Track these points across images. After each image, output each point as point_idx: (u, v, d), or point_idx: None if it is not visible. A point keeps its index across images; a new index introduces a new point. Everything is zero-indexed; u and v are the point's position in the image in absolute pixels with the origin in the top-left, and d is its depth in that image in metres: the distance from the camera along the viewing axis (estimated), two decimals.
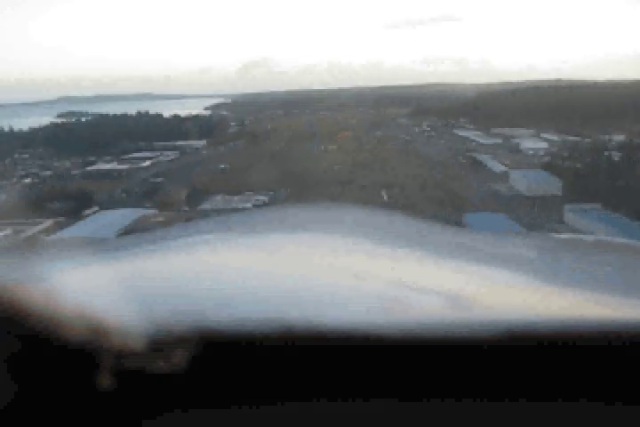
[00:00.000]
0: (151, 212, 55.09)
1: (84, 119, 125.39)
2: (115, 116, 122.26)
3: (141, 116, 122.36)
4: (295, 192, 62.10)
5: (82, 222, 53.59)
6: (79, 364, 0.96)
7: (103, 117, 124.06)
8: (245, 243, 1.79)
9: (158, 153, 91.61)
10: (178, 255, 1.65)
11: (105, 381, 0.95)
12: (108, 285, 1.22)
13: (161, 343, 0.97)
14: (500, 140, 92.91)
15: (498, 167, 71.67)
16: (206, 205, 59.43)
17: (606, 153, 67.46)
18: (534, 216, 52.06)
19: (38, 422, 0.96)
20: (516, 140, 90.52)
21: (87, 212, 58.72)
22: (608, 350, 0.99)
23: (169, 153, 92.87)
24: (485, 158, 77.29)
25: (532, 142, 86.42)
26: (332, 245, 1.69)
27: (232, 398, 0.99)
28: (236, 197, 61.30)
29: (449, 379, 0.98)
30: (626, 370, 0.99)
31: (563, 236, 2.27)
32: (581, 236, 2.37)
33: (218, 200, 61.01)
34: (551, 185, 59.96)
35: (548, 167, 67.00)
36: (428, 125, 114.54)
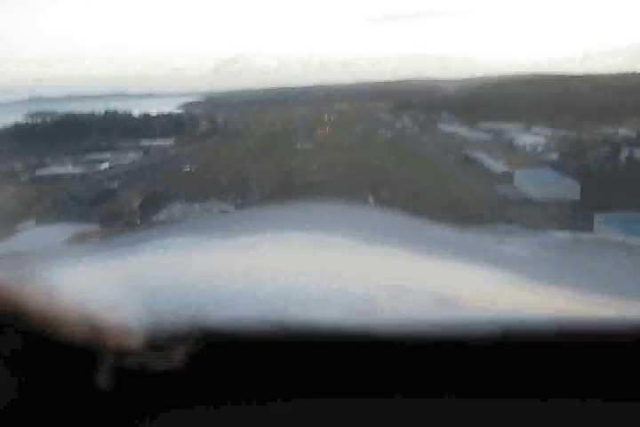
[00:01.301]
0: (90, 228, 43.76)
1: (49, 119, 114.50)
2: (80, 115, 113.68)
3: (109, 115, 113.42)
4: (267, 198, 51.62)
5: (11, 240, 42.18)
6: (79, 363, 0.94)
7: (68, 117, 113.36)
8: (242, 244, 1.78)
9: (120, 154, 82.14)
10: (175, 256, 1.64)
11: (105, 379, 0.94)
12: (108, 284, 1.20)
13: (159, 343, 0.95)
14: (489, 136, 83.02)
15: (497, 167, 61.26)
16: (161, 216, 48.29)
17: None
18: (557, 228, 41.42)
19: (39, 421, 0.94)
20: (508, 135, 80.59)
21: (20, 226, 47.35)
22: (607, 349, 0.97)
23: (131, 154, 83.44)
24: (480, 156, 66.76)
25: (526, 137, 76.00)
26: (325, 245, 1.68)
27: (230, 396, 0.98)
28: (197, 206, 50.21)
29: (443, 377, 0.96)
30: (626, 369, 0.96)
31: (561, 234, 2.19)
32: (580, 234, 2.25)
33: (175, 210, 49.87)
34: (566, 188, 49.31)
35: (557, 166, 56.39)
36: (410, 121, 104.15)
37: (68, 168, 73.16)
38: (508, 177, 56.67)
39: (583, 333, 0.95)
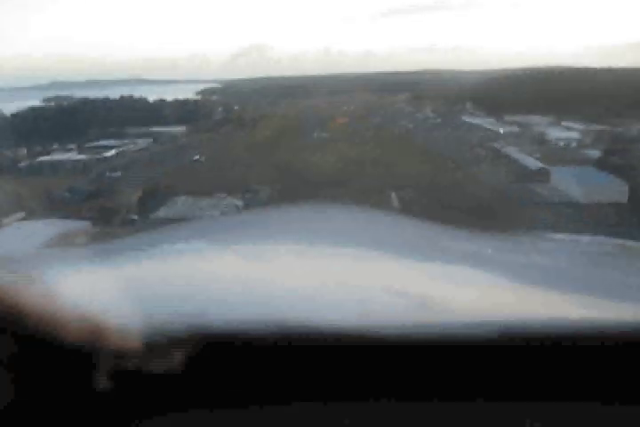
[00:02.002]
0: (79, 227, 38.14)
1: (63, 104, 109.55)
2: (95, 100, 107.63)
3: (124, 100, 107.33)
4: (279, 193, 45.92)
5: None
6: (79, 365, 0.94)
7: (82, 102, 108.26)
8: (241, 246, 1.78)
9: (128, 141, 76.99)
10: (175, 259, 1.64)
11: (104, 381, 0.94)
12: (107, 287, 1.20)
13: (159, 345, 0.96)
14: (517, 129, 76.68)
15: (531, 162, 55.10)
16: (161, 213, 42.72)
17: None
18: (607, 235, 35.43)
19: (39, 421, 0.94)
20: (538, 129, 74.63)
21: (6, 220, 41.82)
22: (605, 350, 0.97)
23: (140, 141, 78.11)
24: (512, 151, 60.71)
25: (558, 131, 69.81)
26: (326, 248, 1.68)
27: (229, 399, 0.99)
28: (203, 201, 44.58)
29: (443, 379, 0.98)
30: (624, 370, 0.97)
31: (558, 235, 2.17)
32: (578, 236, 2.29)
33: (178, 205, 44.21)
34: (613, 189, 43.19)
35: (598, 163, 50.22)
36: (431, 112, 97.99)
37: (72, 155, 67.98)
38: (543, 175, 50.57)
39: (579, 333, 0.96)
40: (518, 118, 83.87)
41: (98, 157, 67.68)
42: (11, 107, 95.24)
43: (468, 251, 1.75)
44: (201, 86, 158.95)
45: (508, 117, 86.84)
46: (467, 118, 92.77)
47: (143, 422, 0.96)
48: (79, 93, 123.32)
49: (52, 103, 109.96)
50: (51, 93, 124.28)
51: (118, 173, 57.28)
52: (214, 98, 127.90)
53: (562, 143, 64.47)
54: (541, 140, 67.04)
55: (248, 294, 1.20)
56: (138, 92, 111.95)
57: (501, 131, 76.92)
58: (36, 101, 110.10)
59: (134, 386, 0.96)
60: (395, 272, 1.44)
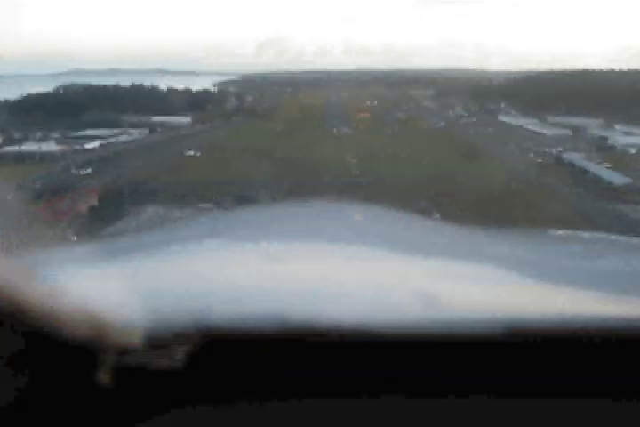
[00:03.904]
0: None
1: (67, 91, 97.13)
2: (100, 87, 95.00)
3: (134, 88, 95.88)
4: (287, 201, 31.55)
5: None
6: (82, 361, 0.92)
7: (86, 89, 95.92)
8: (245, 242, 1.74)
9: (120, 130, 64.39)
10: (179, 254, 1.61)
11: (107, 378, 0.92)
12: (110, 282, 1.19)
13: (163, 341, 0.94)
14: (569, 132, 62.82)
15: (611, 175, 40.75)
16: (114, 229, 28.61)
17: None
18: None
19: (42, 419, 0.92)
20: (592, 132, 61.84)
21: None
22: (606, 349, 0.96)
23: (134, 131, 65.48)
24: (575, 158, 46.67)
25: (620, 135, 55.67)
26: (333, 245, 1.65)
27: (234, 395, 0.97)
28: (178, 214, 30.50)
29: (446, 377, 0.96)
30: (625, 368, 0.95)
31: (560, 232, 2.14)
32: (579, 232, 2.19)
33: (142, 218, 30.42)
34: None
35: None
36: (462, 110, 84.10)
37: (46, 146, 54.53)
38: (633, 193, 36.41)
39: (581, 331, 0.94)
40: (562, 120, 70.50)
41: (77, 148, 54.16)
42: (12, 94, 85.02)
43: (471, 248, 1.72)
44: (219, 78, 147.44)
45: (552, 119, 73.60)
46: (503, 118, 79.44)
47: (147, 420, 0.94)
48: (96, 81, 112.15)
49: (61, 91, 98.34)
50: (69, 81, 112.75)
51: (87, 170, 43.73)
52: (230, 89, 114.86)
53: (632, 150, 50.15)
54: (603, 146, 52.79)
55: (253, 290, 1.17)
56: (155, 82, 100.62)
57: (548, 133, 63.21)
58: (44, 89, 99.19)
59: (138, 383, 0.93)
60: (401, 270, 1.40)
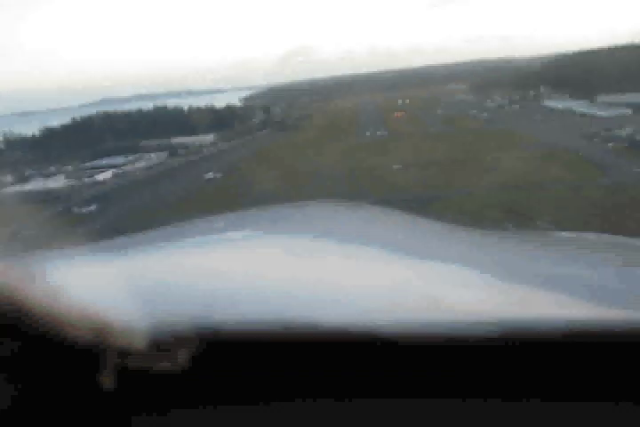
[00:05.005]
0: None
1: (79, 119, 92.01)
2: (120, 114, 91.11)
3: (156, 111, 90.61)
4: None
5: None
6: (83, 363, 0.92)
7: (105, 117, 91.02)
8: (245, 244, 1.75)
9: (136, 156, 58.63)
10: (179, 256, 1.60)
11: (108, 379, 0.92)
12: (112, 284, 1.19)
13: (164, 343, 0.93)
14: (628, 111, 54.37)
15: None
16: None
17: None
18: None
19: (43, 420, 0.92)
20: None
21: None
22: (607, 349, 0.95)
23: (152, 155, 59.57)
24: None
25: None
26: (333, 246, 1.64)
27: (233, 397, 0.97)
28: None
29: (445, 378, 0.96)
30: (625, 368, 0.95)
31: (564, 234, 2.11)
32: (583, 233, 2.20)
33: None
34: None
35: None
36: (504, 98, 76.10)
37: (53, 181, 48.37)
38: None
39: (580, 332, 0.94)
40: (617, 98, 62.08)
41: (87, 180, 47.70)
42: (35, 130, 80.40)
43: (472, 250, 1.68)
44: (246, 93, 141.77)
45: (602, 98, 65.26)
46: (548, 103, 71.28)
47: (148, 421, 0.93)
48: (122, 108, 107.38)
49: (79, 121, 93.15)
50: (94, 110, 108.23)
51: (90, 207, 36.79)
52: (256, 102, 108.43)
53: None
54: None
55: (255, 292, 1.16)
56: (185, 103, 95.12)
57: (604, 114, 54.90)
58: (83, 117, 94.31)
59: (139, 385, 0.92)
60: (401, 271, 1.38)
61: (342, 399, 0.94)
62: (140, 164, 54.61)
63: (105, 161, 54.86)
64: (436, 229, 1.95)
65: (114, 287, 1.12)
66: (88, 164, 54.48)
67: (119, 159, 55.37)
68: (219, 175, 44.37)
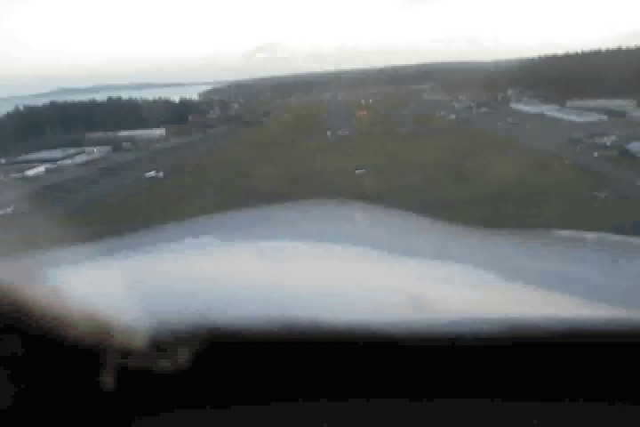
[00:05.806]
0: None
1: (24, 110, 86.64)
2: (73, 104, 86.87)
3: (111, 102, 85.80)
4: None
5: None
6: (84, 363, 0.92)
7: (54, 106, 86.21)
8: (247, 244, 1.75)
9: (77, 150, 52.81)
10: (181, 256, 1.59)
11: (110, 379, 0.91)
12: (113, 285, 1.18)
13: (164, 343, 0.93)
14: (603, 117, 51.23)
15: None
16: None
17: None
18: None
19: (44, 420, 0.91)
20: (631, 115, 50.57)
21: None
22: (607, 348, 0.95)
23: (94, 149, 53.95)
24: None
25: None
26: (332, 246, 1.64)
27: (235, 397, 0.96)
28: None
29: (445, 377, 0.96)
30: (624, 368, 0.94)
31: (564, 233, 2.10)
32: (583, 233, 2.15)
33: None
34: None
35: None
36: (472, 100, 72.46)
37: None
38: None
39: (579, 331, 0.94)
40: (588, 103, 58.58)
41: (14, 176, 42.25)
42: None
43: (472, 249, 1.68)
44: (206, 87, 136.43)
45: (572, 102, 61.98)
46: (517, 106, 67.65)
47: (149, 422, 0.93)
48: (81, 98, 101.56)
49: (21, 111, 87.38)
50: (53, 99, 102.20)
51: (8, 209, 31.45)
52: (214, 98, 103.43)
53: None
54: None
55: (256, 291, 1.15)
56: (144, 96, 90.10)
57: (578, 120, 51.14)
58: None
59: (140, 385, 0.92)
60: (399, 271, 1.39)
61: (342, 399, 0.93)
62: (79, 158, 49.30)
63: (41, 155, 49.32)
64: (435, 229, 1.96)
65: (115, 287, 1.11)
66: (20, 157, 48.86)
67: (57, 153, 49.95)
68: (161, 175, 39.29)
